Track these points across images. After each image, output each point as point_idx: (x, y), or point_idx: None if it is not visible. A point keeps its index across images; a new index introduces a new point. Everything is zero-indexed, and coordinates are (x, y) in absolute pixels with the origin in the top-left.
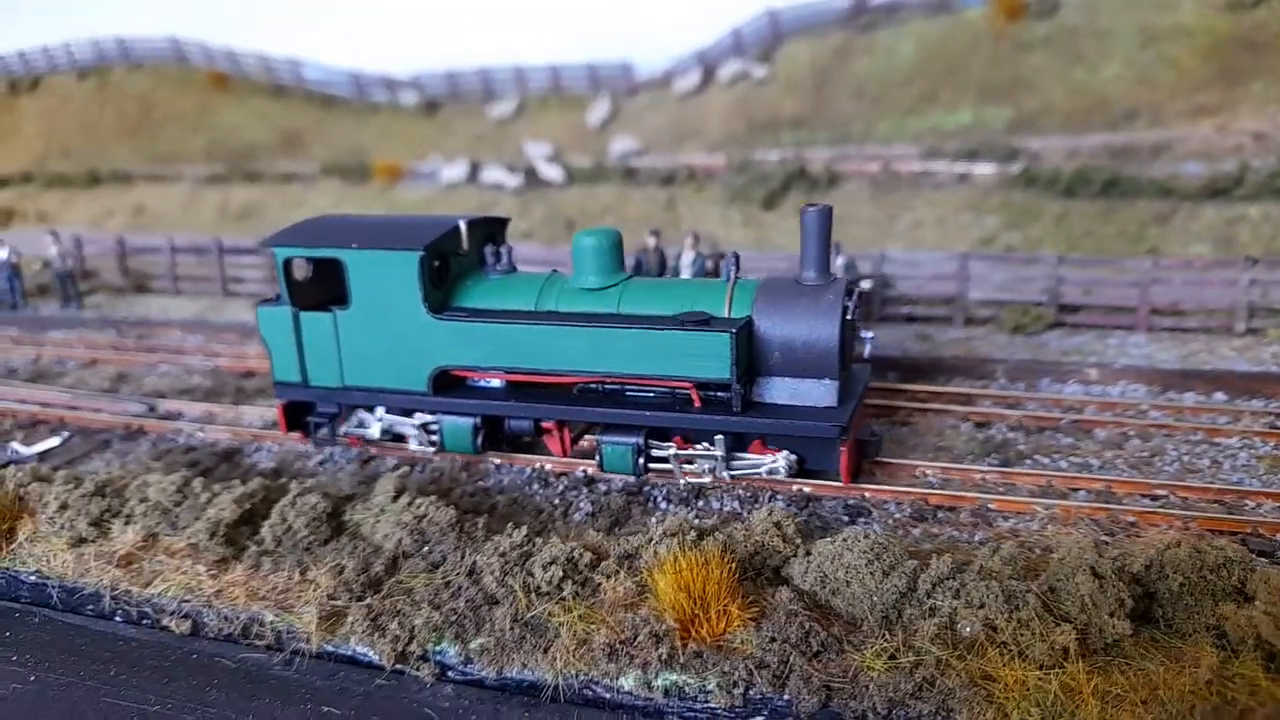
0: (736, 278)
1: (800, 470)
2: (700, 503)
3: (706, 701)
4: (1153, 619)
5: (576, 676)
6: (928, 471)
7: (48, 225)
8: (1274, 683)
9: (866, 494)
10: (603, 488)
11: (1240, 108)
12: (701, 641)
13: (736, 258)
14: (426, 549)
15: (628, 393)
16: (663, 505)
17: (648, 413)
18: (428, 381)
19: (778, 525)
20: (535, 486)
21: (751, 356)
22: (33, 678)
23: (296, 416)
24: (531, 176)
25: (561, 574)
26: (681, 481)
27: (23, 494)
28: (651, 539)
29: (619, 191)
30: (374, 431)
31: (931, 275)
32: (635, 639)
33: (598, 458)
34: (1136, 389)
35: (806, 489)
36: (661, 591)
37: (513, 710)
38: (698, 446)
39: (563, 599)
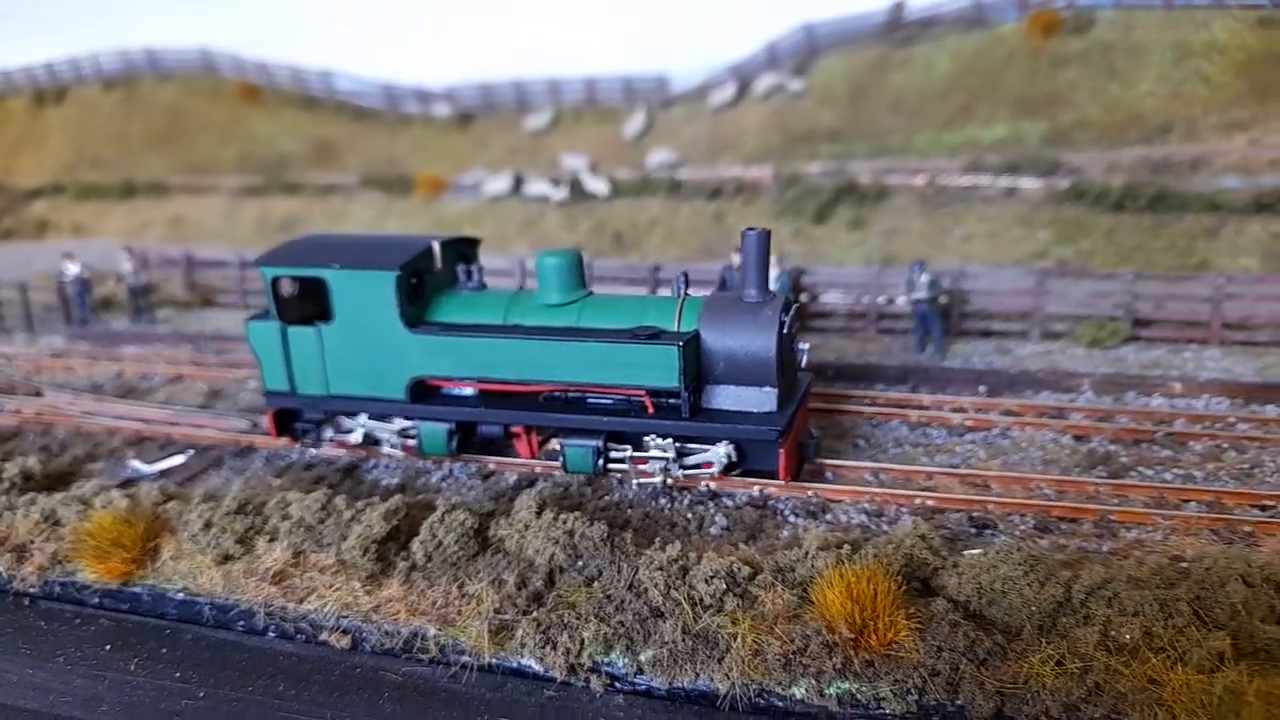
0: (686, 294)
1: (744, 471)
2: (828, 516)
3: (879, 709)
4: None
5: (749, 686)
6: (1042, 484)
7: (84, 238)
8: None
9: (990, 507)
10: (729, 503)
11: (1272, 123)
12: (871, 651)
13: (686, 277)
14: (580, 563)
15: (589, 400)
16: (791, 519)
17: (605, 418)
18: (405, 390)
19: (924, 538)
20: (662, 501)
21: (699, 366)
22: (202, 694)
23: (285, 422)
24: (576, 189)
25: (724, 587)
26: (635, 481)
27: (159, 512)
28: (807, 553)
29: (665, 204)
30: (356, 436)
31: (1010, 290)
32: (807, 649)
33: (561, 459)
34: (1220, 402)
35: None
36: (831, 603)
37: (686, 719)
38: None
39: (727, 611)
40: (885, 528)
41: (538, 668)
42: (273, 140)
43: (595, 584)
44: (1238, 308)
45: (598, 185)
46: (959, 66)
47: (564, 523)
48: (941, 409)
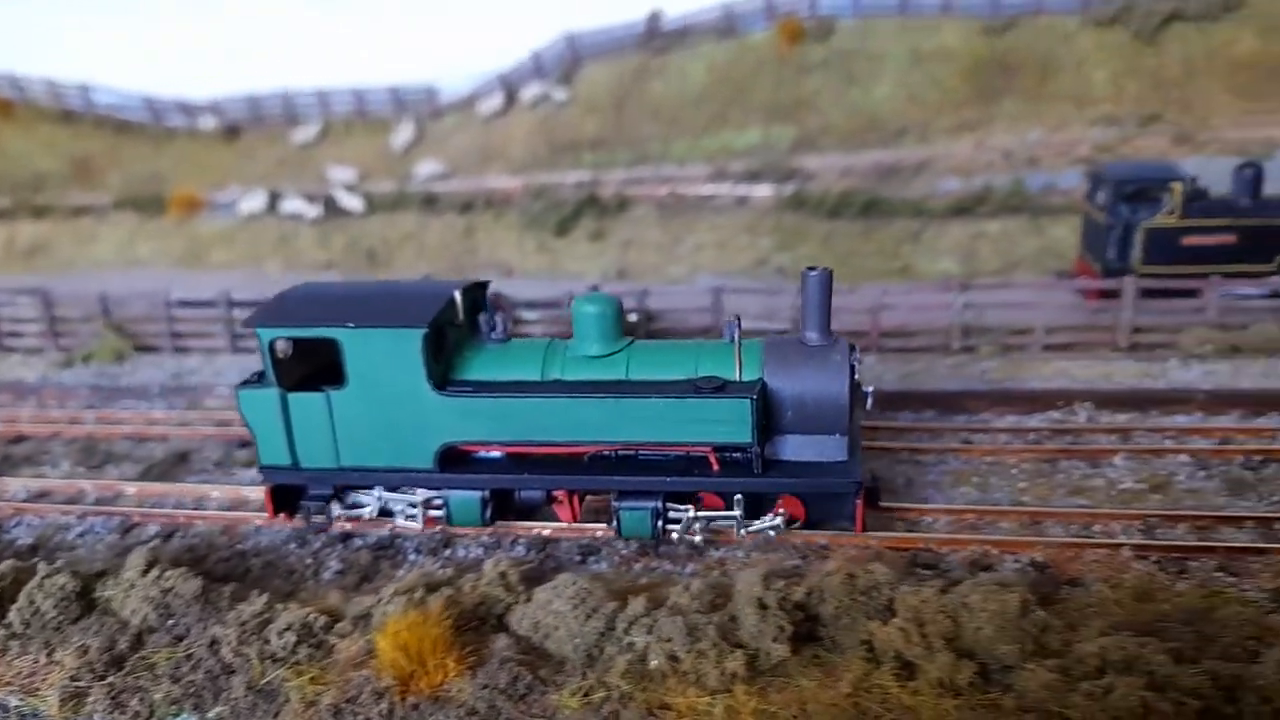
0: (741, 339)
1: (807, 524)
2: (447, 551)
3: None
4: (819, 638)
5: None
6: None
7: None
8: (903, 690)
9: (598, 534)
10: (357, 543)
11: (995, 124)
12: (420, 695)
13: (739, 320)
14: (172, 622)
15: (641, 457)
16: (412, 557)
17: (668, 478)
18: (434, 458)
19: (503, 575)
20: (292, 546)
21: (766, 416)
22: None
23: (285, 499)
24: (331, 206)
25: (296, 639)
26: (698, 539)
27: None
28: (381, 599)
29: (419, 219)
30: (370, 510)
31: (692, 308)
32: (359, 698)
33: (615, 523)
34: None
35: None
36: (381, 651)
37: None
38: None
39: (296, 663)
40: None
41: None
42: (28, 158)
43: (182, 643)
44: (894, 316)
45: (352, 202)
46: (713, 75)
47: (164, 580)
48: None
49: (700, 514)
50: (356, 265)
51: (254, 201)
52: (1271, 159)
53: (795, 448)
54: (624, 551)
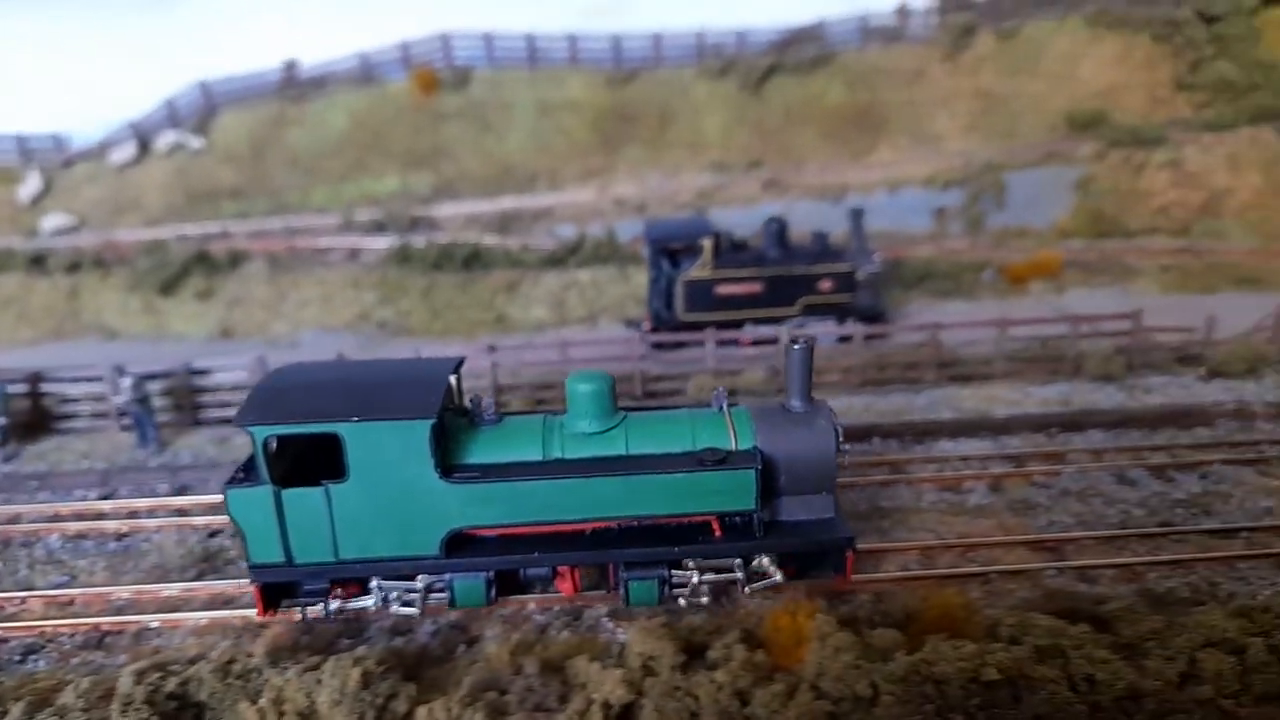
0: (730, 408)
1: (799, 576)
2: None
3: None
4: None
5: None
6: (122, 595)
7: None
8: None
9: (45, 630)
10: None
11: (618, 172)
12: None
13: (726, 391)
14: None
15: (644, 526)
16: None
17: (676, 548)
18: (440, 545)
19: None
20: None
21: (764, 482)
22: None
23: (274, 596)
24: None
25: None
26: (704, 600)
27: None
28: None
29: (23, 281)
30: (374, 599)
31: (234, 384)
32: None
33: (622, 592)
34: None
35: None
36: None
37: None
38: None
39: None
40: None
41: None
42: None
43: None
44: None
45: None
46: (353, 122)
47: None
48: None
49: (704, 578)
50: None
51: None
52: (842, 201)
53: (789, 508)
54: (66, 647)
